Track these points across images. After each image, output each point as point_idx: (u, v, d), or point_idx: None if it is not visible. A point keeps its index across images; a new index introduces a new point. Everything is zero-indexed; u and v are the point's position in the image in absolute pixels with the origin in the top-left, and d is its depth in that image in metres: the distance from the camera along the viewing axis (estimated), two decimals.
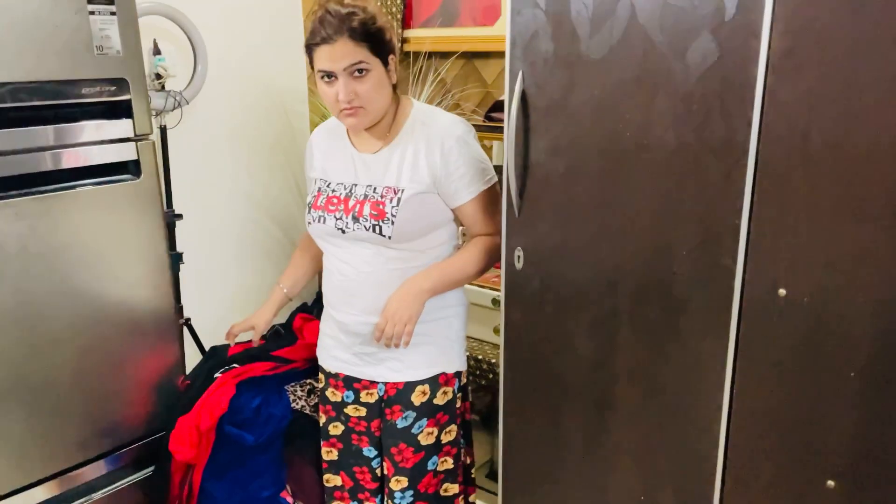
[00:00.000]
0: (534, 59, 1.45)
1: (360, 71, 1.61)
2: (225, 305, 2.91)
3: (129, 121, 1.96)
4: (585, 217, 1.40)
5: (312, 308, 2.40)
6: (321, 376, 2.02)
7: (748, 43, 1.11)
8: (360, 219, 1.70)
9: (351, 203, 1.71)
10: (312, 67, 1.71)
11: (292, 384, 2.19)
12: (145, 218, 2.03)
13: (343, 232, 1.72)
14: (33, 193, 1.79)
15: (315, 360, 2.13)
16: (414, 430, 1.83)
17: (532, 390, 1.60)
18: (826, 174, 1.08)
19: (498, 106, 2.59)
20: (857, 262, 1.08)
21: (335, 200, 1.74)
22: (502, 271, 1.61)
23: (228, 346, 2.24)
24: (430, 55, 2.82)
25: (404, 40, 2.92)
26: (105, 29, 1.86)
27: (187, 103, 2.47)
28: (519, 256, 1.56)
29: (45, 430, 1.89)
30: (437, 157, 1.67)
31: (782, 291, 1.15)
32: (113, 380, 2.02)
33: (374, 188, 1.72)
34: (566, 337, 1.50)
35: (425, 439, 1.84)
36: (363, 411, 1.93)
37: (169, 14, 2.36)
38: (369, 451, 1.95)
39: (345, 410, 1.95)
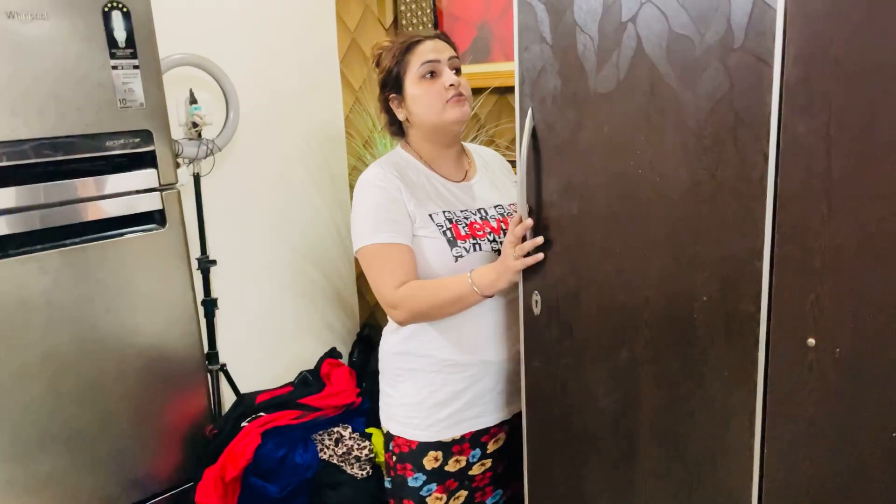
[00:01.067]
0: (543, 96, 1.39)
1: (457, 70, 1.63)
2: (263, 351, 2.91)
3: (154, 171, 1.99)
4: (599, 260, 1.32)
5: (341, 354, 2.36)
6: (430, 455, 1.66)
7: (759, 71, 1.02)
8: (497, 237, 1.63)
9: (493, 223, 1.63)
10: (395, 85, 1.63)
11: (320, 433, 2.15)
12: (172, 266, 2.05)
13: (499, 253, 1.58)
14: (58, 247, 1.82)
15: (345, 406, 2.09)
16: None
17: (555, 445, 1.51)
18: (850, 213, 0.97)
19: None
20: (890, 309, 0.96)
21: (477, 225, 1.61)
22: (520, 317, 1.54)
23: (256, 394, 2.23)
24: None
25: None
26: (128, 82, 1.90)
27: (219, 150, 2.50)
28: (536, 301, 1.48)
29: (73, 482, 1.90)
30: (508, 174, 1.81)
31: (811, 341, 1.04)
32: (140, 430, 2.02)
33: (501, 206, 1.68)
34: (586, 389, 1.41)
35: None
36: (488, 463, 1.72)
37: (199, 64, 2.41)
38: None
39: (469, 473, 1.70)
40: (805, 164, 1.01)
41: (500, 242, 1.61)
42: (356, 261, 3.30)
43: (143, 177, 1.97)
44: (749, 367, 1.12)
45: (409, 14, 2.93)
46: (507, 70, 2.69)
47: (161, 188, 2.00)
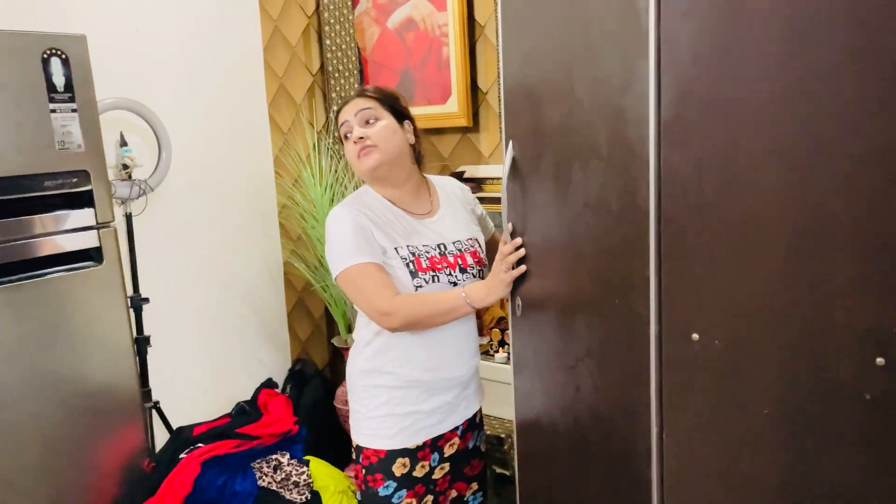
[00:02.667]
0: (518, 130, 1.60)
1: (370, 120, 1.76)
2: (196, 387, 2.95)
3: (91, 210, 2.06)
4: (553, 276, 1.54)
5: (277, 384, 2.44)
6: (398, 462, 1.80)
7: (642, 111, 1.22)
8: (468, 268, 1.80)
9: (451, 259, 1.79)
10: (342, 144, 1.83)
11: (258, 461, 2.22)
12: (109, 303, 2.10)
13: (455, 285, 1.77)
14: None
15: (282, 434, 2.17)
16: None
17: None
18: (718, 228, 1.17)
19: (457, 176, 2.72)
20: (754, 306, 1.16)
21: (436, 259, 1.77)
22: (510, 323, 1.73)
23: (194, 426, 2.28)
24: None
25: None
26: (67, 125, 1.98)
27: (152, 190, 2.58)
28: (518, 304, 1.66)
29: None
30: (468, 205, 1.97)
31: (695, 336, 1.23)
32: (79, 465, 2.04)
33: (460, 241, 1.83)
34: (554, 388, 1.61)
35: None
36: (447, 467, 1.88)
37: (131, 107, 2.49)
38: None
39: (433, 477, 1.86)
40: (680, 191, 1.21)
41: (455, 276, 1.78)
42: (287, 297, 3.39)
43: (81, 216, 2.04)
44: (644, 362, 1.31)
45: (335, 61, 3.10)
46: (429, 113, 2.88)
47: (98, 226, 2.07)
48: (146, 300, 2.58)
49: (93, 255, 2.07)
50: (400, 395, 1.78)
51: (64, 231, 2.01)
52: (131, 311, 2.55)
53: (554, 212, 1.53)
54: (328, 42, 3.09)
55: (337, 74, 3.10)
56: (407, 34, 2.92)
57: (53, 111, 1.95)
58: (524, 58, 1.59)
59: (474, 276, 1.84)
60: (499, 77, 2.67)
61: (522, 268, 1.66)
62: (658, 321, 1.27)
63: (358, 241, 1.69)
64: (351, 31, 3.03)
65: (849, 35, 1.04)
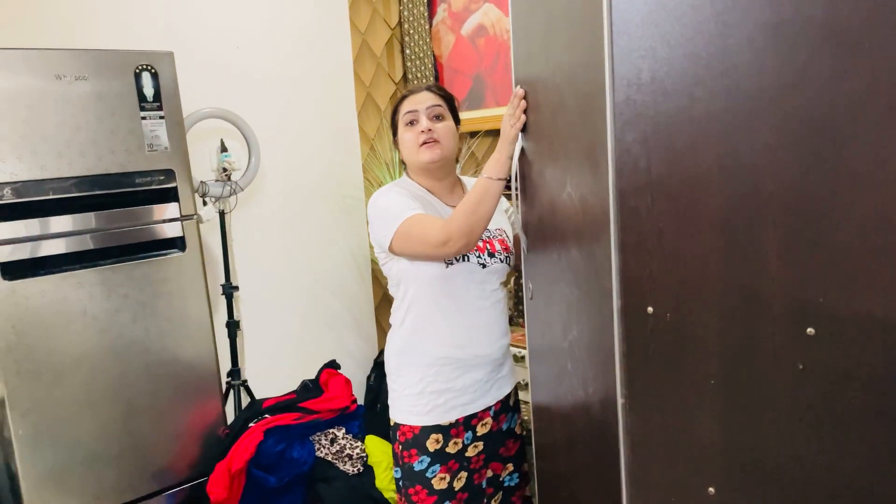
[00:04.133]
0: (528, 126, 1.70)
1: (438, 117, 1.87)
2: (286, 370, 3.21)
3: (176, 204, 2.35)
4: (551, 258, 1.63)
5: (339, 365, 2.62)
6: (432, 437, 1.88)
7: (601, 95, 1.28)
8: (496, 253, 1.90)
9: (479, 243, 1.88)
10: (395, 131, 1.92)
11: (317, 434, 2.41)
12: (191, 286, 2.38)
13: (484, 266, 1.87)
14: (93, 266, 2.19)
15: (340, 410, 2.34)
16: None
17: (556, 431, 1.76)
18: (665, 204, 1.20)
19: None
20: (701, 278, 1.18)
21: None
22: (525, 309, 1.83)
23: (264, 399, 2.51)
24: (463, 135, 3.09)
25: None
26: (155, 130, 2.28)
27: (242, 190, 2.87)
28: (530, 288, 1.76)
29: (100, 469, 2.21)
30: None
31: (650, 309, 1.26)
32: (160, 429, 2.32)
33: (488, 230, 1.92)
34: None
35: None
36: (480, 446, 1.94)
37: (224, 116, 2.79)
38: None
39: (466, 455, 1.92)
40: (632, 166, 1.26)
41: (483, 258, 1.88)
42: (374, 292, 3.61)
43: (167, 209, 2.33)
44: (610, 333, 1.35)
45: (414, 69, 3.28)
46: (498, 114, 2.99)
47: (182, 218, 2.36)
48: (236, 288, 2.86)
49: (177, 244, 2.35)
50: (433, 372, 1.87)
51: (152, 222, 2.30)
52: (223, 297, 2.86)
53: (549, 196, 1.60)
54: (408, 52, 3.28)
55: (416, 82, 3.27)
56: (478, 40, 3.05)
57: (144, 118, 2.26)
58: (526, 58, 1.69)
59: (501, 262, 1.92)
60: None
61: (523, 118, 1.70)
62: (620, 296, 1.31)
63: (402, 202, 1.80)
64: (428, 40, 3.20)
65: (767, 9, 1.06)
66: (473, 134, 3.08)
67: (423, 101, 1.88)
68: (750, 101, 1.09)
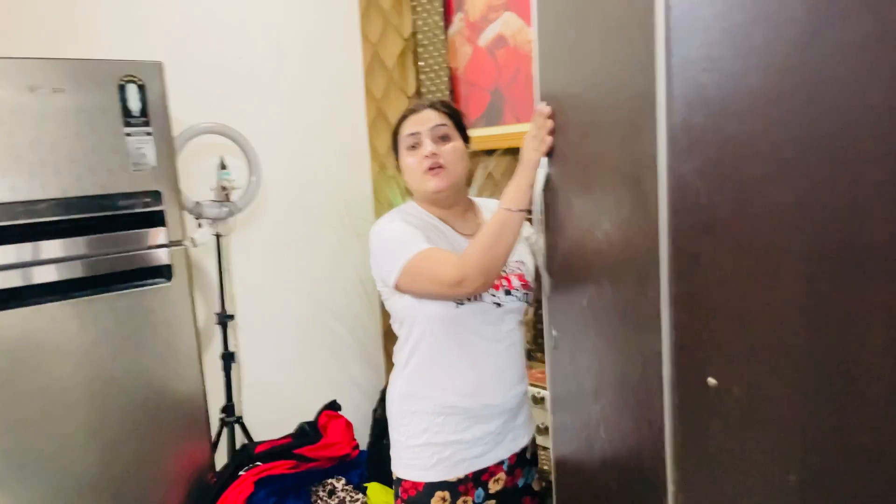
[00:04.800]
0: (554, 149, 1.47)
1: (443, 137, 1.66)
2: (286, 404, 2.97)
3: (163, 229, 2.13)
4: (578, 303, 1.39)
5: (340, 406, 2.39)
6: (437, 495, 1.67)
7: (649, 116, 1.04)
8: (513, 291, 1.69)
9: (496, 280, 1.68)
10: (397, 154, 1.72)
11: (315, 485, 2.18)
12: (177, 319, 2.15)
13: (499, 306, 1.67)
14: (69, 298, 1.97)
15: (339, 458, 2.11)
16: None
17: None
18: (732, 249, 0.96)
19: None
20: (776, 344, 0.94)
21: None
22: (547, 357, 1.59)
23: (257, 444, 2.28)
24: (478, 153, 2.87)
25: None
26: (141, 147, 2.07)
27: (240, 211, 2.65)
28: (554, 336, 1.52)
29: None
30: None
31: (712, 381, 1.02)
32: (140, 475, 2.09)
33: (506, 263, 1.70)
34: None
35: None
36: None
37: (222, 132, 2.58)
38: None
39: None
40: (691, 203, 1.01)
41: (499, 297, 1.66)
42: (382, 318, 3.37)
43: (153, 234, 2.11)
44: (658, 406, 1.10)
45: (428, 83, 3.06)
46: (518, 132, 2.76)
47: (169, 245, 2.14)
48: (231, 317, 2.64)
49: (163, 273, 2.13)
50: (439, 421, 1.65)
51: (136, 249, 2.08)
52: (217, 327, 2.64)
53: (578, 232, 1.37)
54: (422, 63, 3.06)
55: (430, 95, 3.05)
56: (497, 51, 2.82)
57: (128, 134, 2.04)
58: (552, 70, 1.45)
59: (519, 300, 1.70)
60: None
61: (551, 139, 1.46)
62: (672, 362, 1.07)
63: (410, 233, 1.59)
64: (443, 51, 2.98)
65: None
66: (491, 152, 2.85)
67: (425, 121, 1.67)
68: (847, 126, 0.84)
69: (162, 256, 2.12)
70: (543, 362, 2.49)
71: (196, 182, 2.68)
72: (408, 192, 1.82)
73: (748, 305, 0.96)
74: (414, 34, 3.08)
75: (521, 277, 1.73)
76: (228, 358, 2.62)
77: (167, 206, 2.12)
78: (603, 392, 1.32)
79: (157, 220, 2.11)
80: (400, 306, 1.69)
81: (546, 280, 1.55)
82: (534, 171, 1.52)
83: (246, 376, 2.85)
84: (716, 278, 0.99)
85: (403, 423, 1.70)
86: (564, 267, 1.47)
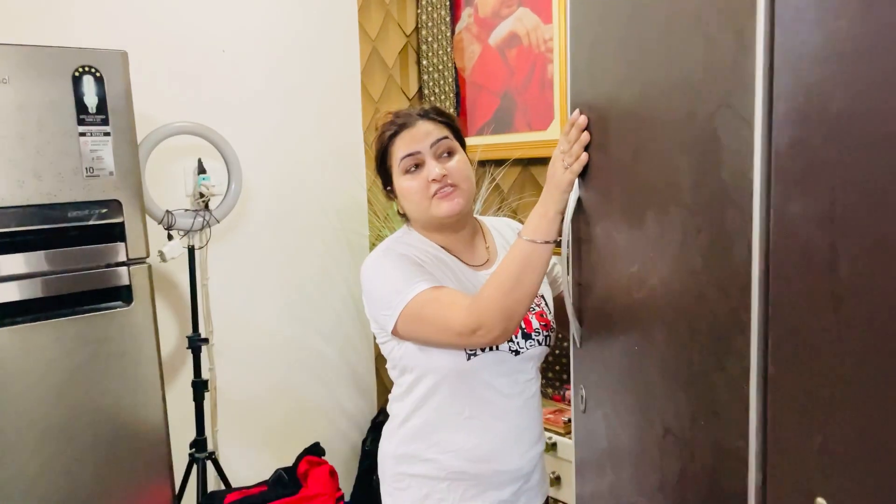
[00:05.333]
0: (590, 168, 1.17)
1: (448, 153, 1.40)
2: (268, 437, 2.68)
3: (122, 244, 1.83)
4: (618, 366, 1.09)
5: (323, 450, 2.10)
6: None
7: (743, 136, 0.75)
8: (532, 333, 1.42)
9: None
10: (387, 177, 1.45)
11: None
12: (138, 348, 1.85)
13: (517, 353, 1.40)
14: (6, 325, 1.67)
15: None
16: None
17: None
18: (863, 324, 0.68)
19: None
20: None
21: None
22: (573, 418, 1.29)
23: (227, 492, 1.99)
24: (485, 163, 2.58)
25: None
26: (97, 150, 1.77)
27: (217, 222, 2.35)
28: (582, 397, 1.23)
29: None
30: None
31: (821, 502, 0.74)
32: None
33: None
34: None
35: None
36: None
37: (198, 132, 2.28)
38: None
39: None
40: (800, 258, 0.73)
41: (516, 342, 1.38)
42: (375, 338, 3.08)
43: (110, 250, 1.81)
44: None
45: (431, 84, 2.76)
46: (530, 140, 2.47)
47: (129, 263, 1.84)
48: (205, 340, 2.34)
49: (121, 295, 1.84)
50: (443, 488, 1.40)
51: (89, 268, 1.79)
52: (189, 352, 2.34)
53: (620, 273, 1.08)
54: (425, 63, 2.76)
55: (433, 98, 2.76)
56: (509, 51, 2.53)
57: (83, 134, 1.75)
58: (589, 71, 1.17)
59: (540, 344, 1.42)
60: None
61: (585, 157, 1.18)
62: (761, 470, 0.79)
63: (409, 270, 1.33)
64: (449, 49, 2.69)
65: None
66: (500, 163, 2.56)
67: (424, 137, 1.39)
68: None
69: (121, 276, 1.82)
70: (558, 399, 2.19)
71: (168, 188, 2.39)
72: (401, 215, 1.53)
73: (876, 406, 0.67)
74: (417, 30, 2.79)
75: (541, 316, 1.46)
76: (200, 386, 2.32)
77: (128, 218, 1.82)
78: (647, 478, 1.03)
79: (115, 233, 1.81)
80: (399, 354, 1.42)
81: (574, 327, 1.26)
82: (564, 194, 1.23)
83: (223, 405, 2.55)
84: (832, 364, 0.70)
85: (400, 488, 1.45)
86: (599, 314, 1.18)
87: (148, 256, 1.87)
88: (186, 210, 2.29)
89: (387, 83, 2.85)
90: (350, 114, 2.93)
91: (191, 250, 2.31)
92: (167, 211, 2.22)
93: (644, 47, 0.98)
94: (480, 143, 2.62)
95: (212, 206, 2.41)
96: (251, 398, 2.65)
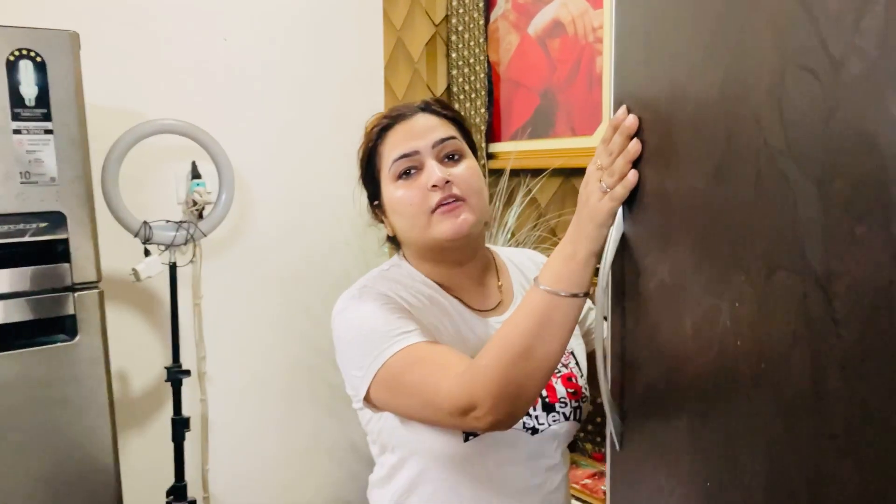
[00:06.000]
0: (643, 191, 0.77)
1: (452, 156, 1.06)
2: (260, 480, 2.35)
3: (66, 266, 1.50)
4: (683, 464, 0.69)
5: None
6: None
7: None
8: (557, 405, 1.07)
9: None
10: (373, 188, 1.12)
11: None
12: (83, 393, 1.52)
13: (535, 432, 1.05)
14: None
15: None
16: None
17: None
18: None
19: None
20: None
21: None
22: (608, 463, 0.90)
23: None
24: (519, 172, 2.19)
25: (490, 156, 2.32)
26: (35, 151, 1.45)
27: (204, 236, 2.02)
28: (620, 434, 0.84)
29: None
30: None
31: None
32: None
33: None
34: None
35: None
36: None
37: (182, 131, 1.94)
38: None
39: None
40: None
41: (534, 416, 1.04)
42: None
43: (50, 273, 1.49)
44: None
45: (461, 80, 2.38)
46: (573, 147, 2.07)
47: (74, 288, 1.51)
48: (186, 373, 2.01)
49: (65, 327, 1.51)
50: None
51: (23, 294, 1.46)
52: (168, 385, 2.01)
53: (688, 336, 0.68)
54: (454, 55, 2.38)
55: (462, 96, 2.38)
56: (551, 42, 2.13)
57: (17, 132, 1.42)
58: (646, 56, 0.77)
59: (567, 418, 1.08)
60: None
61: (633, 175, 0.78)
62: None
63: (388, 320, 0.99)
64: (482, 40, 2.30)
65: None
66: (537, 172, 2.16)
67: (424, 133, 1.06)
68: None
69: (64, 304, 1.49)
70: (590, 456, 1.80)
71: (155, 195, 2.08)
72: (390, 241, 1.17)
73: None
74: (447, 18, 2.41)
75: (568, 380, 1.09)
76: (181, 425, 1.99)
77: (74, 234, 1.49)
78: None
79: (57, 252, 1.49)
80: (377, 427, 1.09)
81: (613, 423, 0.86)
82: (601, 228, 0.83)
83: (215, 442, 2.23)
84: None
85: None
86: (653, 399, 0.78)
87: (99, 280, 1.53)
88: (168, 221, 1.96)
89: (412, 78, 2.48)
90: (371, 113, 2.54)
91: (172, 268, 1.97)
92: (144, 222, 1.90)
93: (721, 24, 0.59)
94: (515, 149, 2.22)
95: (206, 215, 2.08)
96: (248, 433, 2.31)
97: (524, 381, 0.87)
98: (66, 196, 1.47)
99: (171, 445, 1.98)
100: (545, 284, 0.87)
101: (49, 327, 1.49)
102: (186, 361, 2.16)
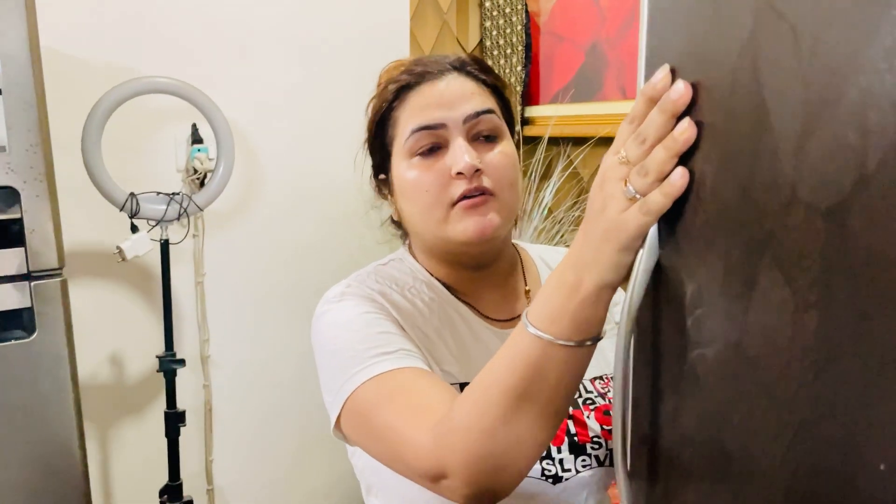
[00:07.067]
0: (686, 204, 0.49)
1: (486, 136, 0.85)
2: (268, 471, 2.14)
3: (20, 250, 1.26)
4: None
5: None
6: None
7: None
8: (589, 445, 0.84)
9: None
10: (382, 158, 0.91)
11: None
12: (44, 396, 1.31)
13: (557, 481, 0.82)
14: None
15: None
16: None
17: None
18: None
19: None
20: None
21: None
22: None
23: None
24: (559, 140, 1.89)
25: (525, 121, 2.02)
26: None
27: (199, 210, 1.77)
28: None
29: None
30: None
31: None
32: None
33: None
34: None
35: None
36: None
37: (171, 89, 1.68)
38: None
39: None
40: None
41: (555, 456, 0.82)
42: None
43: (4, 259, 1.26)
44: None
45: (495, 33, 2.07)
46: (623, 113, 1.76)
47: (31, 276, 1.28)
48: (181, 362, 1.78)
49: (22, 322, 1.28)
50: None
51: None
52: (161, 374, 1.79)
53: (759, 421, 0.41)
54: (488, 5, 2.07)
55: (496, 52, 2.06)
56: None
57: None
58: (685, 52, 0.47)
59: (601, 462, 0.85)
60: None
61: (681, 176, 0.50)
62: None
63: (371, 333, 0.79)
64: None
65: None
66: (581, 141, 1.86)
67: (453, 102, 0.84)
68: None
69: (18, 295, 1.26)
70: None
71: (151, 162, 1.85)
72: (395, 226, 0.93)
73: None
74: None
75: (606, 415, 0.86)
76: (175, 420, 1.77)
77: (29, 213, 1.25)
78: None
79: (10, 235, 1.25)
80: (361, 464, 0.91)
81: (623, 485, 0.58)
82: (624, 253, 0.56)
83: (220, 432, 2.03)
84: None
85: None
86: (693, 492, 0.50)
87: (61, 266, 1.30)
88: (158, 193, 1.72)
89: (440, 32, 2.18)
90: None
91: (163, 245, 1.74)
92: (131, 194, 1.65)
93: None
94: (555, 113, 1.92)
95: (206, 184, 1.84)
96: (256, 422, 2.10)
97: (508, 451, 0.62)
98: (19, 168, 1.23)
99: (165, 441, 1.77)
100: (535, 325, 0.59)
101: (2, 322, 1.26)
102: (188, 345, 1.95)
